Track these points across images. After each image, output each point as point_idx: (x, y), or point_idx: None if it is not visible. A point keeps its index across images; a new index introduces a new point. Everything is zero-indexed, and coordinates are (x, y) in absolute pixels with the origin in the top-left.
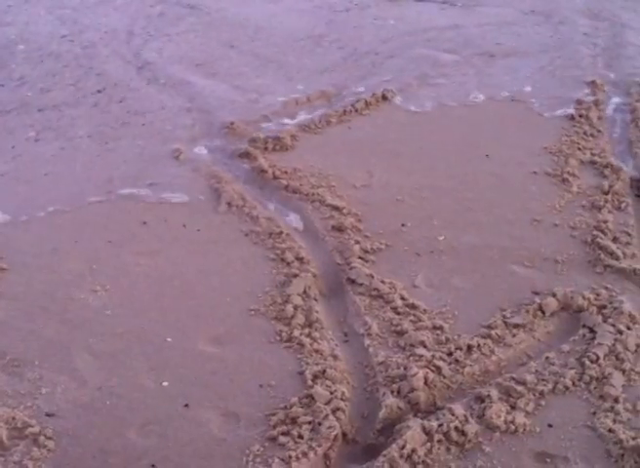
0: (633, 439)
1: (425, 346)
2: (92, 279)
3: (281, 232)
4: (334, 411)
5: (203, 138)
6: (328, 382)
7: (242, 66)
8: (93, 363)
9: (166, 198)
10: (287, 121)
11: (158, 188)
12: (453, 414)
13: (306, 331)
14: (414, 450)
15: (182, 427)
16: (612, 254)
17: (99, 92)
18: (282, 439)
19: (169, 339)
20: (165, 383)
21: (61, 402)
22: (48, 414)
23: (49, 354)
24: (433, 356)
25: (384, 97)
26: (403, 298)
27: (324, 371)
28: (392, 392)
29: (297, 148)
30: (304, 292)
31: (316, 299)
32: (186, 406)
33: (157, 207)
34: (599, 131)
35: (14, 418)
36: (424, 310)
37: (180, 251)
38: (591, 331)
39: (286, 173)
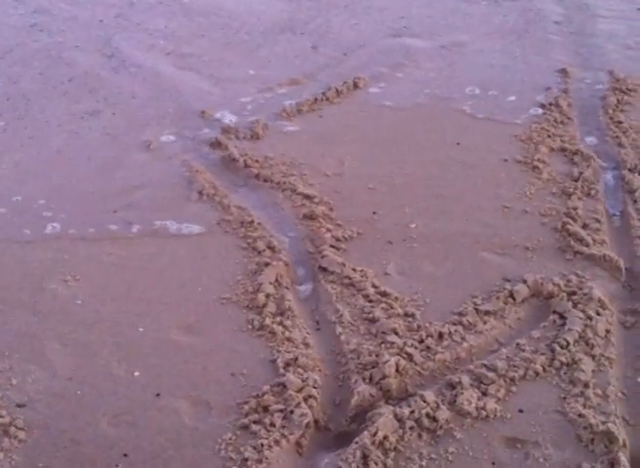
0: (603, 423)
1: (397, 333)
2: (62, 269)
3: (252, 221)
4: (306, 399)
5: (174, 127)
6: (300, 370)
7: (213, 55)
8: (63, 353)
9: (137, 187)
10: (258, 109)
11: (130, 177)
12: (424, 401)
13: (278, 319)
14: (385, 437)
15: (154, 416)
16: (582, 241)
17: (68, 81)
18: (254, 427)
19: (140, 329)
20: (136, 373)
21: (32, 392)
22: (18, 405)
23: (19, 345)
24: (405, 343)
25: (356, 86)
26: (374, 286)
27: (296, 359)
28: (364, 379)
29: (268, 137)
30: (276, 280)
31: (288, 288)
32: (158, 395)
33: (128, 194)
34: (569, 118)
35: None
36: (396, 298)
37: (152, 239)
38: (561, 317)
39: (257, 161)
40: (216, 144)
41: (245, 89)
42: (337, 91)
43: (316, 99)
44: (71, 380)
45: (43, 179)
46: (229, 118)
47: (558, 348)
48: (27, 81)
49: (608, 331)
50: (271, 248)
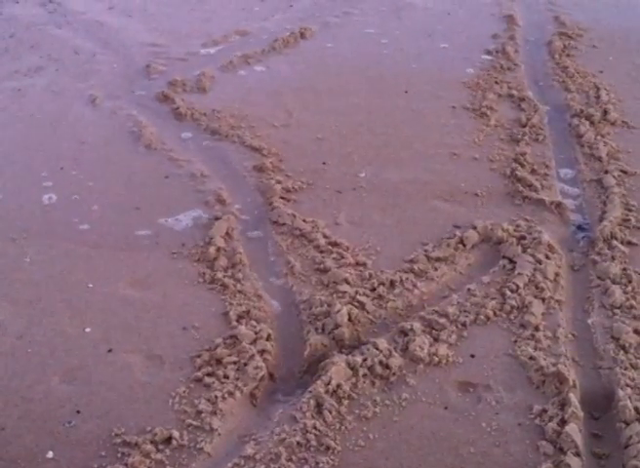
0: (553, 365)
1: (349, 283)
2: (9, 226)
3: (202, 174)
4: (260, 352)
5: (119, 82)
6: (252, 322)
7: (158, 8)
8: (12, 311)
9: (84, 142)
10: (204, 62)
11: (75, 133)
12: (377, 349)
13: (229, 272)
14: (339, 385)
15: (106, 372)
16: (530, 186)
17: (9, 37)
18: (207, 380)
19: (90, 285)
20: (87, 329)
21: None
22: None
23: None
24: (357, 292)
25: (303, 36)
26: (325, 236)
27: (248, 312)
28: (317, 329)
29: (215, 89)
30: (227, 233)
31: (239, 241)
32: (110, 351)
33: (74, 150)
34: (516, 64)
35: None
36: (347, 247)
37: (99, 194)
38: (511, 261)
39: (204, 114)
40: (162, 98)
41: (191, 41)
42: (283, 41)
43: (263, 51)
44: (21, 338)
45: None
46: (175, 71)
47: (508, 292)
48: None
49: (557, 275)
50: (221, 201)
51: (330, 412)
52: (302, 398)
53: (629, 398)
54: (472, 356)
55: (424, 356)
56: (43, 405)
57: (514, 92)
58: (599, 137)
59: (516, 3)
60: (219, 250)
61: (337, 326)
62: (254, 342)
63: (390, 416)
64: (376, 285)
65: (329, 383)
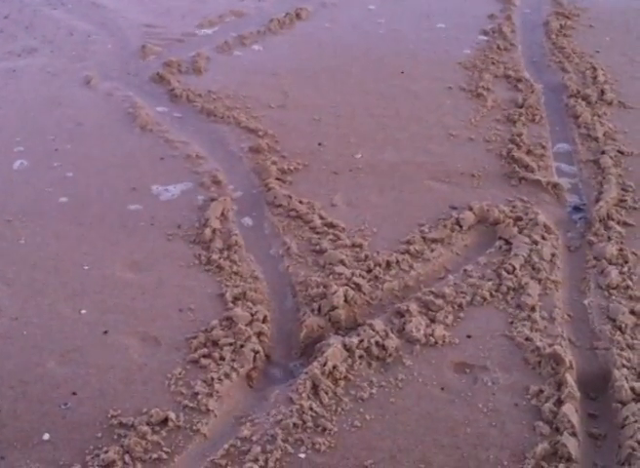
0: (550, 346)
1: (345, 264)
2: (4, 208)
3: (198, 156)
4: (257, 334)
5: (115, 63)
6: (248, 304)
7: None
8: (8, 293)
9: (80, 124)
10: (200, 43)
11: (70, 115)
12: (373, 330)
13: (225, 253)
14: (335, 367)
15: (102, 354)
16: (526, 167)
17: (4, 18)
18: (203, 361)
19: (85, 267)
20: (83, 311)
21: None
22: None
23: None
24: (353, 273)
25: (298, 17)
26: (322, 218)
27: (244, 293)
28: (313, 311)
29: (210, 70)
30: (222, 214)
31: (234, 222)
32: (106, 332)
33: (70, 132)
34: (512, 45)
35: None
36: (343, 228)
37: (95, 175)
38: (507, 242)
39: (200, 95)
40: (157, 79)
41: (186, 22)
42: (279, 22)
43: (258, 32)
44: (17, 320)
45: None
46: (171, 52)
47: (505, 273)
48: None
49: (553, 255)
50: (217, 182)
51: (326, 394)
52: (299, 379)
53: (626, 378)
54: (469, 337)
55: (421, 337)
56: (39, 387)
57: (511, 72)
58: (596, 118)
59: None
60: (214, 231)
61: (333, 307)
62: (250, 324)
63: (387, 397)
64: (372, 266)
65: (325, 365)
